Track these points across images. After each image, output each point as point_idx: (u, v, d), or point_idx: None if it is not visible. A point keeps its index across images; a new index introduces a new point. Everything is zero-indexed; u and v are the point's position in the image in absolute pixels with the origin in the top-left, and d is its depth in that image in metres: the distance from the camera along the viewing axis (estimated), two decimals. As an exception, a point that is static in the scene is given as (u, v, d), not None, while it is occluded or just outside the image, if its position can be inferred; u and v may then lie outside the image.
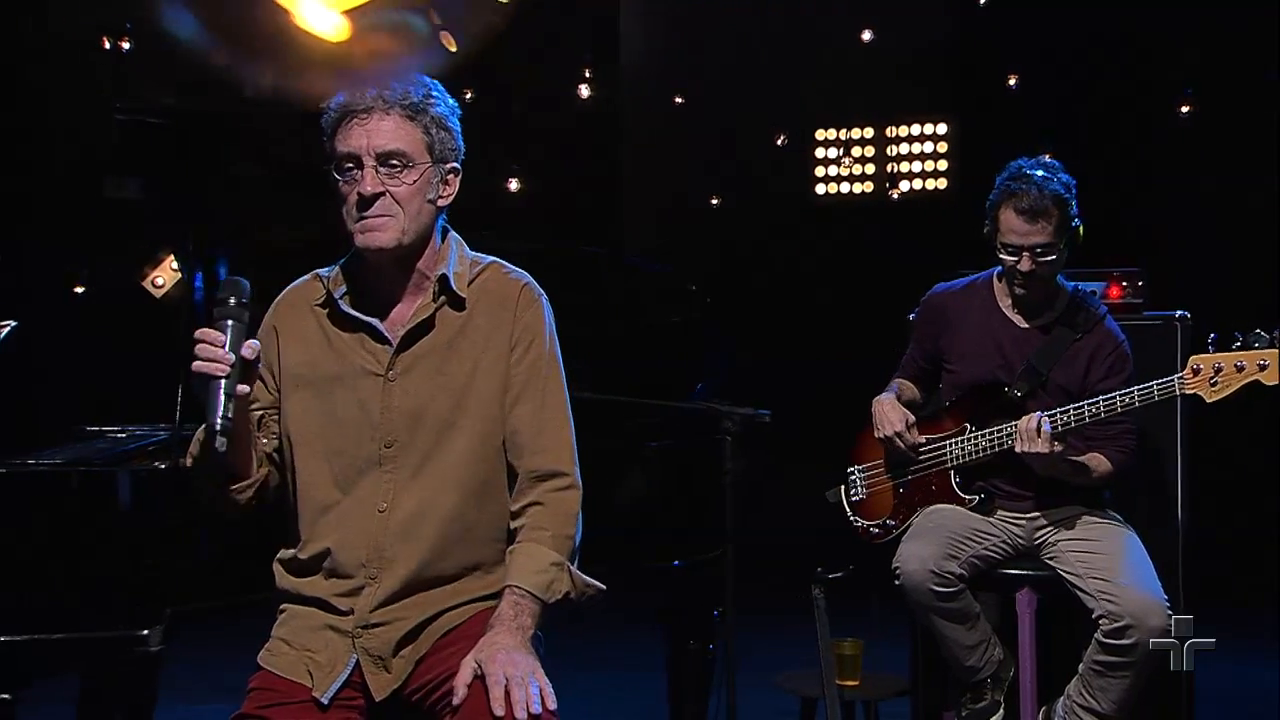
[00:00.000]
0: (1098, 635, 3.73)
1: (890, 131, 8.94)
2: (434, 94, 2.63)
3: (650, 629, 4.35)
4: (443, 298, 2.67)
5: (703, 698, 4.17)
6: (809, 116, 8.77)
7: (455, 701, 2.43)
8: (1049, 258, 3.85)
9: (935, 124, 8.93)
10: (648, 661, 4.54)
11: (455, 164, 2.68)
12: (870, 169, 8.98)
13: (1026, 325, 3.98)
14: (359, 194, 2.57)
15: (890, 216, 8.70)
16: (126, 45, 6.77)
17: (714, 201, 8.13)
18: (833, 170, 8.94)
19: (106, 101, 6.71)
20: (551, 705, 2.41)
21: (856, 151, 8.97)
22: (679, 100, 8.17)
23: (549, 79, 7.96)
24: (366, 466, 2.60)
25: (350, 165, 2.59)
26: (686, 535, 4.22)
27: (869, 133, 8.95)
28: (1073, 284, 4.03)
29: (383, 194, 2.57)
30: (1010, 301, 4.00)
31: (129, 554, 3.55)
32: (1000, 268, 3.99)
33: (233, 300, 2.48)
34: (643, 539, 4.22)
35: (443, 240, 2.73)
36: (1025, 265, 3.84)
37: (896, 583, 3.86)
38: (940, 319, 4.09)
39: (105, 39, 6.83)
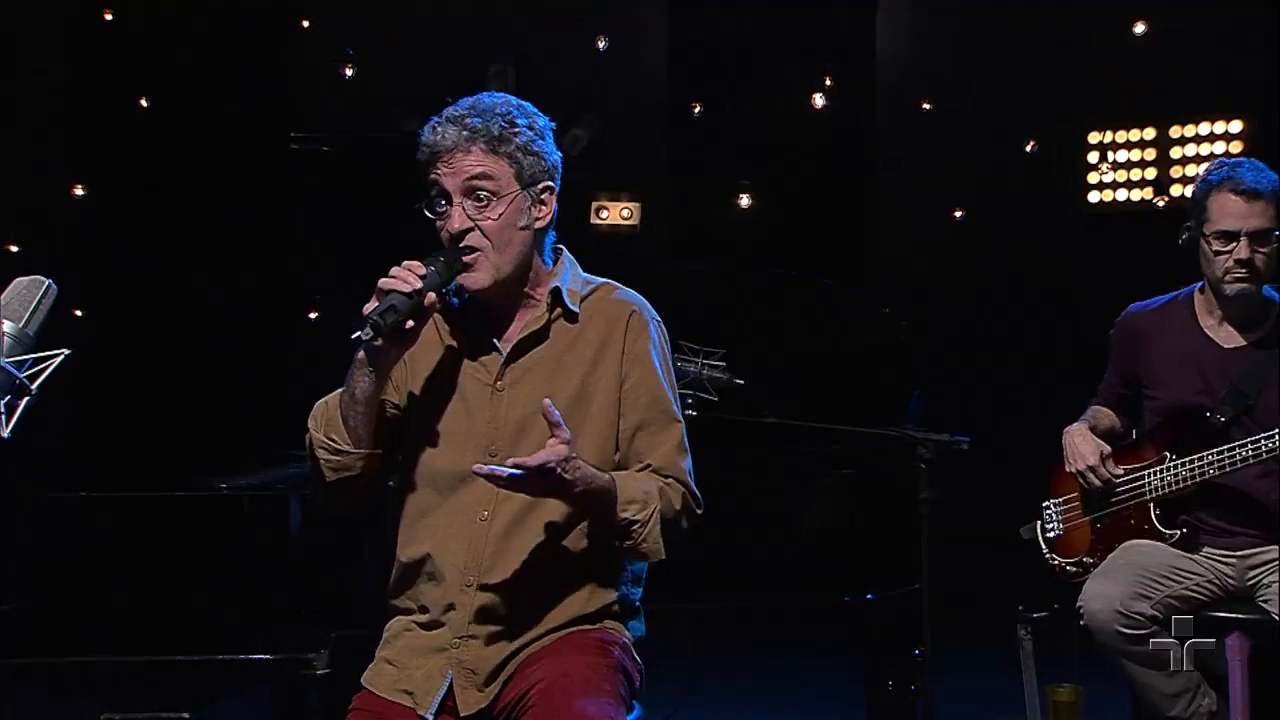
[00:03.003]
0: (1316, 687, 3.59)
1: (1174, 132, 8.62)
2: (518, 120, 2.76)
3: (847, 669, 4.39)
4: (557, 310, 2.83)
5: (903, 742, 4.19)
6: (1081, 118, 8.54)
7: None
8: (1267, 247, 3.78)
9: (1227, 122, 8.56)
10: (845, 703, 4.57)
11: (549, 182, 2.81)
12: (1151, 173, 8.68)
13: (1230, 345, 3.88)
14: (448, 231, 2.74)
15: (1173, 224, 8.39)
16: (349, 72, 7.22)
17: (957, 214, 8.00)
18: (1108, 176, 8.68)
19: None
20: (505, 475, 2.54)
21: (1135, 155, 8.69)
22: (927, 106, 8.09)
23: (790, 85, 8.01)
24: (469, 474, 2.71)
25: (441, 203, 2.76)
26: (880, 567, 4.25)
27: (1149, 134, 8.65)
28: None
29: (471, 229, 2.73)
30: (1213, 319, 3.91)
31: (297, 577, 3.83)
32: (1201, 283, 3.92)
33: (444, 259, 2.70)
34: (834, 571, 4.27)
35: (555, 260, 2.89)
36: (1243, 251, 3.78)
37: (1081, 623, 3.80)
38: (1136, 341, 4.03)
39: (345, 68, 7.31)
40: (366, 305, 2.65)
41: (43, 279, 2.24)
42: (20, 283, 2.24)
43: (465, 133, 2.72)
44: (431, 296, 2.67)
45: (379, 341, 2.63)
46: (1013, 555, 4.32)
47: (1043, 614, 4.21)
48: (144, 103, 7.35)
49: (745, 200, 7.59)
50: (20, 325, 2.19)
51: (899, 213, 8.28)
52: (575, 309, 2.83)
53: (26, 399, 2.16)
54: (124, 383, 6.88)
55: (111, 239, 7.38)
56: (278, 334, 6.27)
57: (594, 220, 8.15)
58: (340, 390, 2.76)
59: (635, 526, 2.70)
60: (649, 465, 2.81)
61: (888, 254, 8.25)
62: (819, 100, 7.77)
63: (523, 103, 2.83)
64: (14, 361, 2.17)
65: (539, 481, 2.57)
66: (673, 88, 8.33)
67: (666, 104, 8.31)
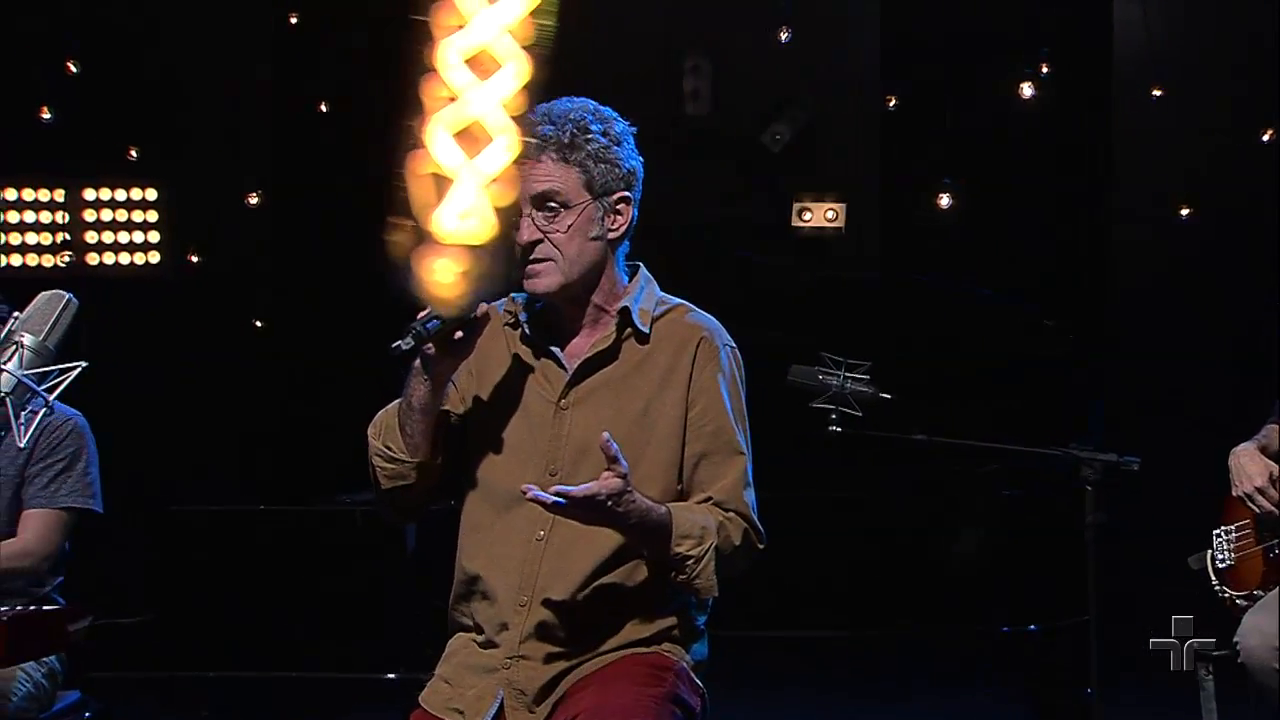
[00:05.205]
0: None
1: None
2: (591, 126, 2.85)
3: (1014, 705, 4.35)
4: (627, 330, 2.91)
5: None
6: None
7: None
8: None
9: None
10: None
11: (625, 192, 2.90)
12: None
13: None
14: (519, 243, 2.86)
15: None
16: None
17: (1184, 212, 7.65)
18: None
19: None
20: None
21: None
22: (1158, 92, 7.77)
23: (1009, 75, 7.84)
24: None
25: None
26: (1043, 596, 4.20)
27: None
28: None
29: (540, 240, 2.84)
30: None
31: (410, 594, 3.98)
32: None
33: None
34: (993, 599, 4.23)
35: (630, 277, 2.97)
36: None
37: (1238, 660, 3.69)
38: None
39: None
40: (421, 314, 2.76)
41: (63, 293, 2.42)
42: (42, 297, 2.42)
43: (536, 141, 2.82)
44: (483, 307, 2.77)
45: (429, 349, 2.74)
46: (1193, 586, 4.21)
47: (1224, 651, 4.09)
48: (324, 108, 7.63)
49: (945, 200, 7.47)
50: (40, 339, 2.36)
51: (1128, 211, 8.01)
52: (645, 330, 2.91)
53: (45, 411, 2.33)
54: (296, 393, 7.18)
55: (289, 247, 7.71)
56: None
57: (796, 222, 8.10)
58: (400, 399, 2.87)
59: (689, 562, 2.76)
60: (710, 498, 2.86)
61: (1116, 255, 7.99)
62: (1028, 90, 7.58)
63: (600, 107, 2.92)
64: (34, 374, 2.34)
65: (588, 512, 2.66)
66: (884, 81, 8.23)
67: (876, 98, 8.21)
